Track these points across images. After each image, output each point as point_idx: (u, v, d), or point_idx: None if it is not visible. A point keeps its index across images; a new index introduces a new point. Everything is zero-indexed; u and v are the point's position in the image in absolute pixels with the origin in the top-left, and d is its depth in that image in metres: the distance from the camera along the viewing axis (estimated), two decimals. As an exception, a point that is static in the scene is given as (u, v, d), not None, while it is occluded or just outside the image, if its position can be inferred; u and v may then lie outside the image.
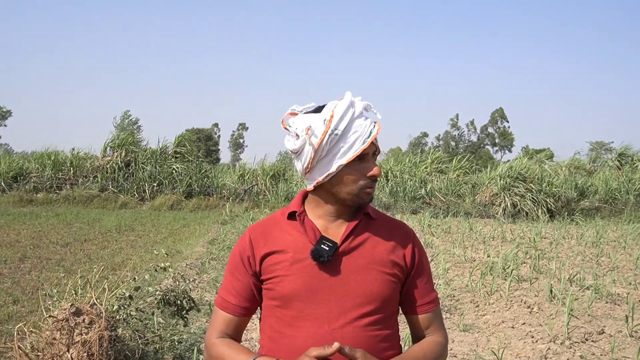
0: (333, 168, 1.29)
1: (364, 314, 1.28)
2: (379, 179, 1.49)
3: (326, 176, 1.30)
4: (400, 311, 1.42)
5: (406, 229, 1.43)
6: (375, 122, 1.32)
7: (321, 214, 1.36)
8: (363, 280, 1.30)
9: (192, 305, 3.76)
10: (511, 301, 5.29)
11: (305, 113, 1.34)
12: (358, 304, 1.28)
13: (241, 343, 1.39)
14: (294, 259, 1.30)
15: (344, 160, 1.28)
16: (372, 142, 1.29)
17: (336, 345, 1.17)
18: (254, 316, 1.43)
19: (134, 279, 3.83)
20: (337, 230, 1.34)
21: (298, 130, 1.31)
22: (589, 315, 4.78)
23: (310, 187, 1.35)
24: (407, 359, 1.28)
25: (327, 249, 1.28)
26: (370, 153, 1.31)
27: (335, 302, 1.28)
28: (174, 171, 16.53)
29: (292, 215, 1.37)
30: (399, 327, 1.39)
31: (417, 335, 1.41)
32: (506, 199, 15.17)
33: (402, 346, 1.41)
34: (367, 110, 1.34)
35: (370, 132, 1.29)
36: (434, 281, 1.50)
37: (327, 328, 1.27)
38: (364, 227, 1.36)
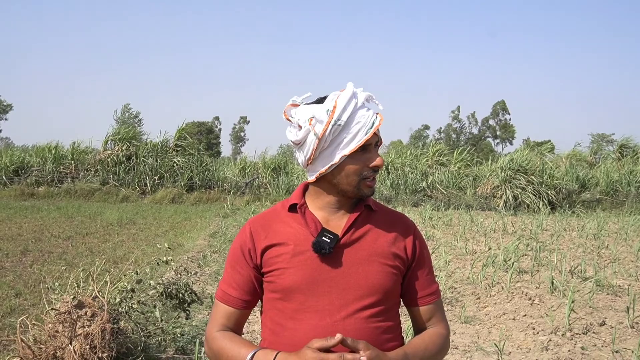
0: (336, 159, 1.28)
1: (366, 306, 1.28)
2: (380, 170, 1.48)
3: (329, 167, 1.29)
4: (402, 303, 1.41)
5: (407, 221, 1.42)
6: (377, 113, 1.31)
7: (322, 205, 1.35)
8: (365, 272, 1.29)
9: (194, 298, 3.77)
10: (512, 293, 5.30)
11: (306, 104, 1.33)
12: (360, 296, 1.28)
13: (242, 336, 1.38)
14: (295, 252, 1.30)
15: (347, 151, 1.27)
16: (374, 133, 1.29)
17: (339, 336, 1.16)
18: (255, 309, 1.43)
19: (136, 272, 3.84)
20: (338, 223, 1.33)
21: (300, 121, 1.30)
22: (590, 307, 4.79)
23: (312, 178, 1.34)
24: (409, 350, 1.28)
25: (328, 241, 1.28)
26: (372, 144, 1.31)
27: (336, 294, 1.28)
28: (175, 164, 16.54)
29: (292, 208, 1.37)
30: (401, 319, 1.39)
31: (418, 327, 1.40)
32: (507, 191, 15.16)
33: (404, 338, 1.40)
34: (368, 101, 1.33)
35: (373, 123, 1.28)
36: (435, 273, 1.49)
37: (328, 320, 1.26)
38: (365, 219, 1.35)
